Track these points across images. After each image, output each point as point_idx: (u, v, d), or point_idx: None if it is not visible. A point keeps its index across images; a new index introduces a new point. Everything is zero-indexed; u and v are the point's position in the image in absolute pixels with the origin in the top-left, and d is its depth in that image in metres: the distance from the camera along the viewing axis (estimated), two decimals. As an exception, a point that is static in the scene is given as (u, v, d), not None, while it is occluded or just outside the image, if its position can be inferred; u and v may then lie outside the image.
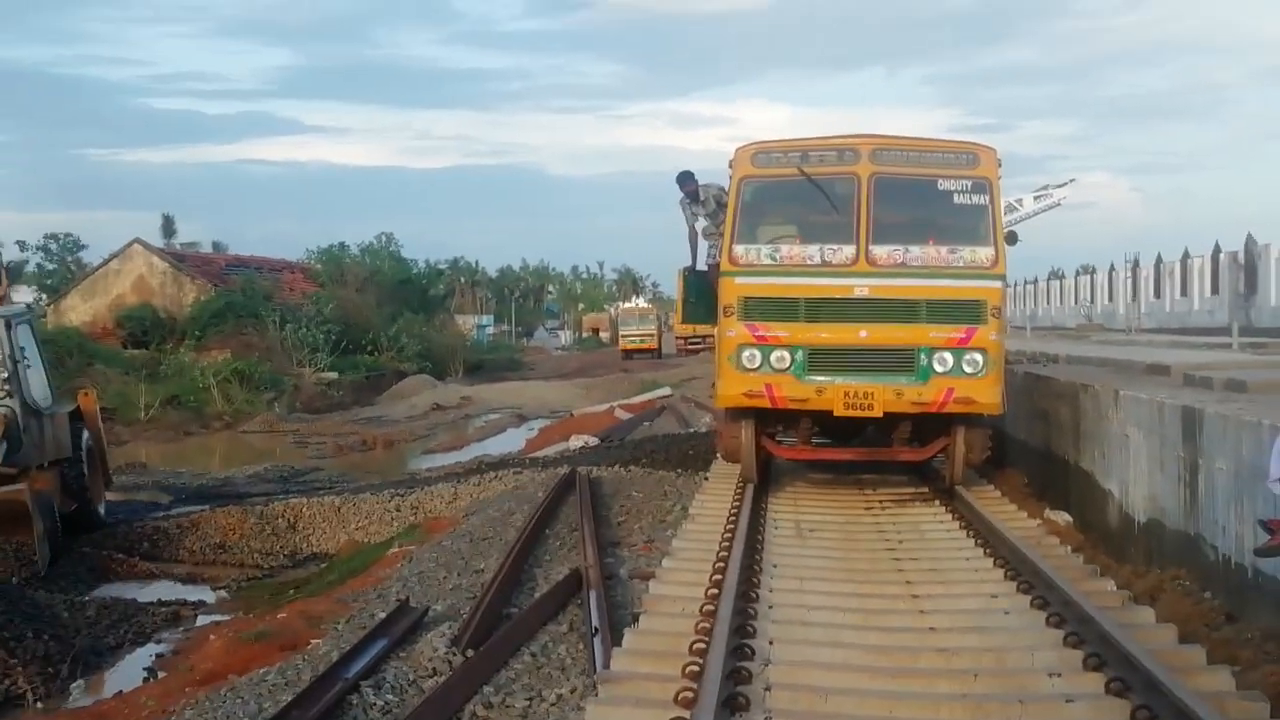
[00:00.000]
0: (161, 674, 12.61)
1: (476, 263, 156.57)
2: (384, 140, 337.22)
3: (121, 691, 12.05)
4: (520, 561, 12.89)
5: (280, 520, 20.27)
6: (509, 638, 9.92)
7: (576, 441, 28.42)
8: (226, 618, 15.32)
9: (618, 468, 19.24)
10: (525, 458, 26.31)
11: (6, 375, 18.50)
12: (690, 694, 6.92)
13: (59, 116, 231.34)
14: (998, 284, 13.30)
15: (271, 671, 10.52)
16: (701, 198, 15.43)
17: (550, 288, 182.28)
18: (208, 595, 17.04)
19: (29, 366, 19.21)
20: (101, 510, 20.31)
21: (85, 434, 20.61)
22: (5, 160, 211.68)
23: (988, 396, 13.10)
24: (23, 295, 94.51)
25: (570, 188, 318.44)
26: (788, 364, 13.20)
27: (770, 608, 9.10)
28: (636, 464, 19.44)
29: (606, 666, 8.30)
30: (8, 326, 18.85)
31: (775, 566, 10.59)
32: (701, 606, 8.85)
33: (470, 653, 9.51)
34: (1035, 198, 56.88)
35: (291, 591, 16.34)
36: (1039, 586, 9.39)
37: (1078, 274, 65.89)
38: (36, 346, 20.26)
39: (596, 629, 9.73)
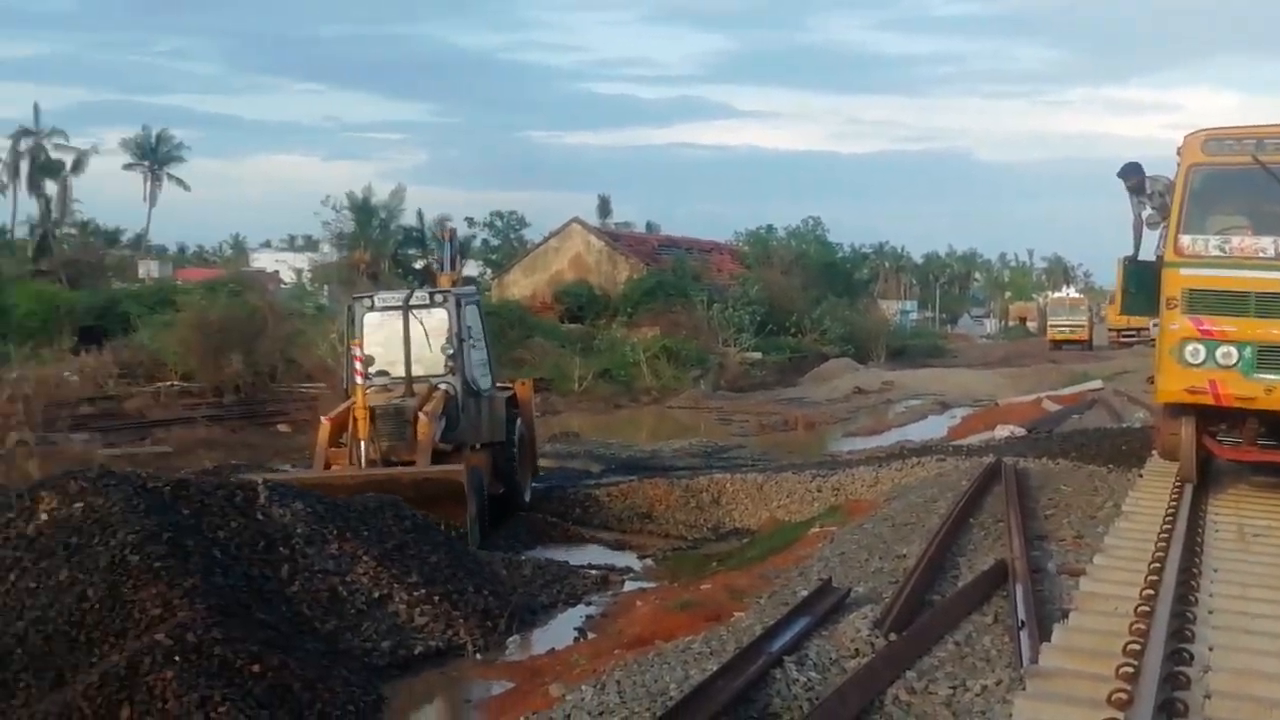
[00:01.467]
0: (591, 635, 13.05)
1: (902, 248, 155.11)
2: (813, 125, 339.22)
3: (554, 649, 12.54)
4: (944, 549, 12.70)
5: (705, 494, 20.60)
6: (932, 624, 9.80)
7: (1002, 431, 27.78)
8: (652, 585, 15.71)
9: (1045, 460, 18.69)
10: (948, 445, 25.92)
11: (452, 352, 19.13)
12: (1124, 695, 6.68)
13: (506, 100, 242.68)
14: None
15: (696, 640, 10.73)
16: (1148, 190, 14.79)
17: (976, 275, 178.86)
18: (634, 562, 17.47)
19: (473, 346, 19.81)
20: (527, 497, 20.54)
21: (519, 421, 20.90)
22: (457, 142, 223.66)
23: None
24: (469, 269, 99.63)
25: (1000, 174, 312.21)
26: (1234, 360, 12.56)
27: (1210, 613, 8.69)
28: (1065, 457, 18.82)
29: (1034, 661, 8.11)
30: (458, 305, 19.46)
31: (1215, 571, 10.09)
32: (1136, 607, 8.53)
33: (893, 636, 9.46)
34: None
35: (715, 564, 16.60)
36: None
37: None
38: (482, 328, 20.81)
39: (1023, 622, 9.49)
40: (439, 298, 19.62)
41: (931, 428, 36.40)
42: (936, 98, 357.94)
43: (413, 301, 19.50)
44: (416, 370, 18.91)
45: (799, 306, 67.26)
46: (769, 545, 17.03)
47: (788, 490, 20.37)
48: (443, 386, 18.74)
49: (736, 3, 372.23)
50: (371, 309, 19.50)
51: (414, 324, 19.18)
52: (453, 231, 22.53)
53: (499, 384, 21.20)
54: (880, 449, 27.61)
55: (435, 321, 19.34)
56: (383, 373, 18.59)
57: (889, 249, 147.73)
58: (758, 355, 57.57)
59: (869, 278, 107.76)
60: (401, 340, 18.97)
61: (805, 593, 11.44)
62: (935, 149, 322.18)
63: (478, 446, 19.19)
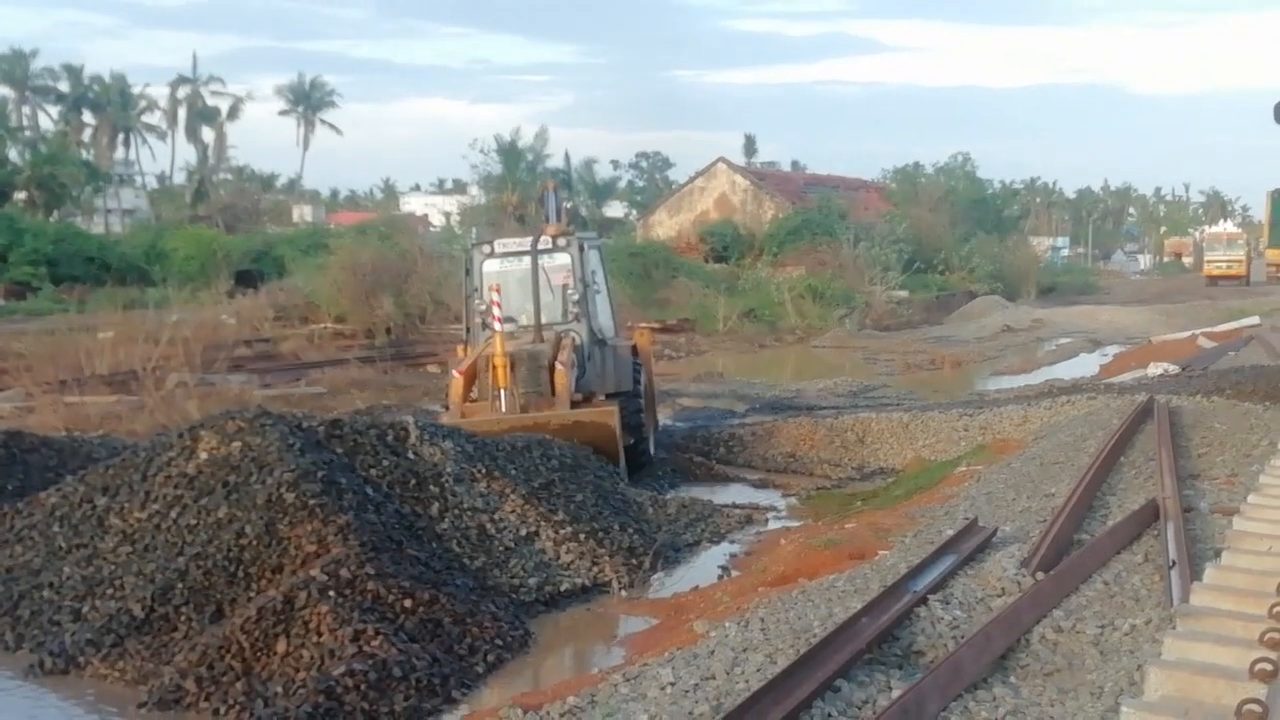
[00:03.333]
0: (735, 573, 13.07)
1: (1054, 183, 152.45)
2: (963, 59, 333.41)
3: (698, 586, 12.59)
4: (1093, 488, 12.54)
5: (849, 433, 20.51)
6: (1081, 563, 9.69)
7: (1155, 369, 27.32)
8: (796, 524, 15.69)
9: (1199, 397, 18.34)
10: (1099, 383, 25.54)
11: (578, 298, 18.55)
12: (1278, 635, 6.55)
13: (652, 40, 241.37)
14: None
15: (840, 578, 10.74)
16: None
17: (1131, 210, 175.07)
18: (778, 501, 17.44)
19: (598, 293, 19.29)
20: (651, 449, 19.70)
21: (641, 371, 20.11)
22: (602, 83, 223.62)
23: None
24: (614, 210, 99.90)
25: (1156, 106, 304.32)
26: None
27: (1370, 554, 8.47)
28: (1219, 394, 18.46)
29: (1185, 600, 7.97)
30: (581, 250, 18.87)
31: (1377, 511, 9.83)
32: (1291, 546, 8.34)
33: (1040, 575, 9.37)
34: None
35: (859, 503, 16.54)
36: None
37: None
38: (604, 275, 20.15)
39: (1174, 561, 9.34)
40: (562, 241, 18.97)
41: (1082, 366, 35.88)
42: (1091, 28, 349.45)
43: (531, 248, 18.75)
44: (534, 320, 18.16)
45: (947, 244, 66.58)
46: (914, 484, 16.93)
47: (934, 429, 20.22)
48: (570, 335, 18.21)
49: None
50: (491, 255, 18.95)
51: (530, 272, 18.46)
52: (555, 184, 22.11)
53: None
54: (1029, 387, 27.33)
55: (557, 267, 18.78)
56: (509, 319, 17.85)
57: (1040, 184, 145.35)
58: (904, 293, 57.10)
59: (1019, 214, 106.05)
60: (520, 288, 18.30)
61: (951, 532, 11.38)
62: (1090, 81, 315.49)
63: (604, 397, 18.38)
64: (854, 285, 54.62)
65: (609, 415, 16.91)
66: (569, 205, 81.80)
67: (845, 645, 8.20)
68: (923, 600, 9.08)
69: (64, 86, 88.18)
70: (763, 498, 17.57)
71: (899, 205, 71.61)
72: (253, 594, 10.65)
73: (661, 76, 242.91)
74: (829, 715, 7.34)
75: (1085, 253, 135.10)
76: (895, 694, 7.52)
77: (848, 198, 73.08)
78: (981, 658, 8.00)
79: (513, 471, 13.85)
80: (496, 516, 12.98)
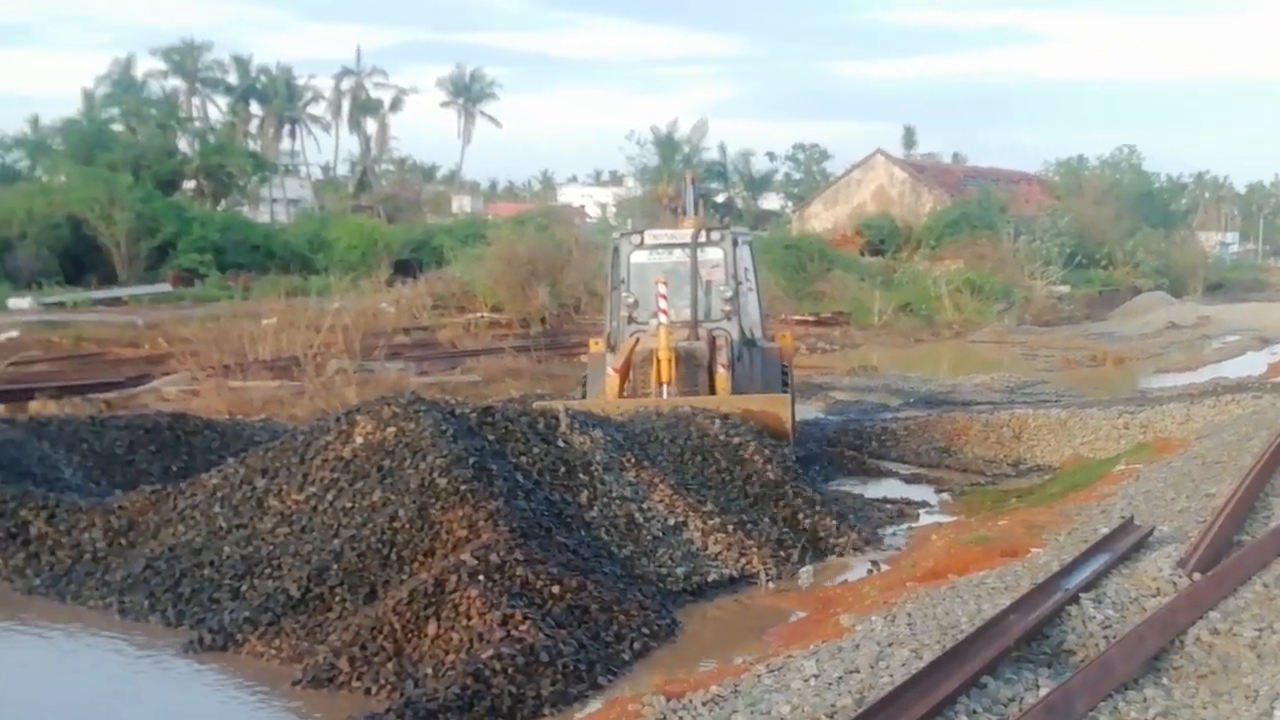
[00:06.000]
0: (884, 567, 12.99)
1: (1224, 177, 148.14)
2: (1128, 51, 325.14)
3: (846, 580, 12.56)
4: (1255, 488, 12.22)
5: (1005, 429, 20.19)
6: (1240, 565, 9.45)
7: (1325, 369, 26.56)
8: (948, 519, 15.53)
9: (1374, 398, 17.79)
10: (1267, 381, 24.85)
11: (730, 295, 17.85)
12: None
13: (812, 31, 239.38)
14: None
15: (991, 575, 10.63)
16: None
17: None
18: (930, 496, 17.25)
19: (749, 291, 18.62)
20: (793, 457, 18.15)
21: (789, 374, 19.41)
22: (760, 74, 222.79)
23: None
24: (770, 203, 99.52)
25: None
26: None
27: None
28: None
29: (1348, 605, 7.78)
30: (734, 245, 18.18)
31: None
32: None
33: (1197, 576, 9.18)
34: None
35: (1013, 500, 16.31)
36: None
37: None
38: (755, 272, 19.36)
39: (1338, 565, 9.10)
40: (715, 236, 18.26)
41: (1249, 364, 34.91)
42: (1262, 18, 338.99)
43: (682, 241, 18.17)
44: (686, 315, 17.50)
45: (1111, 238, 65.36)
46: (1070, 482, 16.66)
47: (1093, 427, 19.85)
48: (720, 333, 17.66)
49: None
50: (640, 246, 18.27)
51: (685, 264, 17.88)
52: (695, 176, 21.68)
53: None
54: (1193, 386, 26.66)
55: (709, 262, 18.05)
56: (653, 315, 17.14)
57: (1209, 178, 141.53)
58: (1065, 289, 56.14)
59: (1187, 208, 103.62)
60: (661, 285, 17.01)
61: (1106, 530, 11.19)
62: (1262, 74, 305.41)
63: None
64: (1013, 280, 53.83)
65: (781, 405, 16.65)
66: (724, 197, 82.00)
67: (993, 642, 8.11)
68: (1074, 598, 8.95)
69: (232, 79, 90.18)
70: (915, 493, 17.38)
71: (1061, 198, 70.43)
72: (405, 576, 10.82)
73: (820, 68, 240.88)
74: (974, 712, 7.28)
75: (1255, 249, 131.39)
76: (1042, 692, 7.43)
77: (1008, 190, 72.06)
78: (1133, 658, 7.87)
79: (662, 461, 13.91)
80: (645, 506, 13.03)
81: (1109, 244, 64.42)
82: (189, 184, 64.84)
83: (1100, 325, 50.01)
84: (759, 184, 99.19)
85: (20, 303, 40.12)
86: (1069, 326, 48.89)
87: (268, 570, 11.64)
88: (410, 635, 10.00)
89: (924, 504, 16.53)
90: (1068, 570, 9.70)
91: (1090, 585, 9.32)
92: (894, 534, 14.65)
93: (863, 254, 60.92)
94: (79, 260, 48.51)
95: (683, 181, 20.54)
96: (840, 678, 8.05)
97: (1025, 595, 9.03)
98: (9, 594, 12.16)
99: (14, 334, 32.32)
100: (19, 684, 10.12)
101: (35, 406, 20.48)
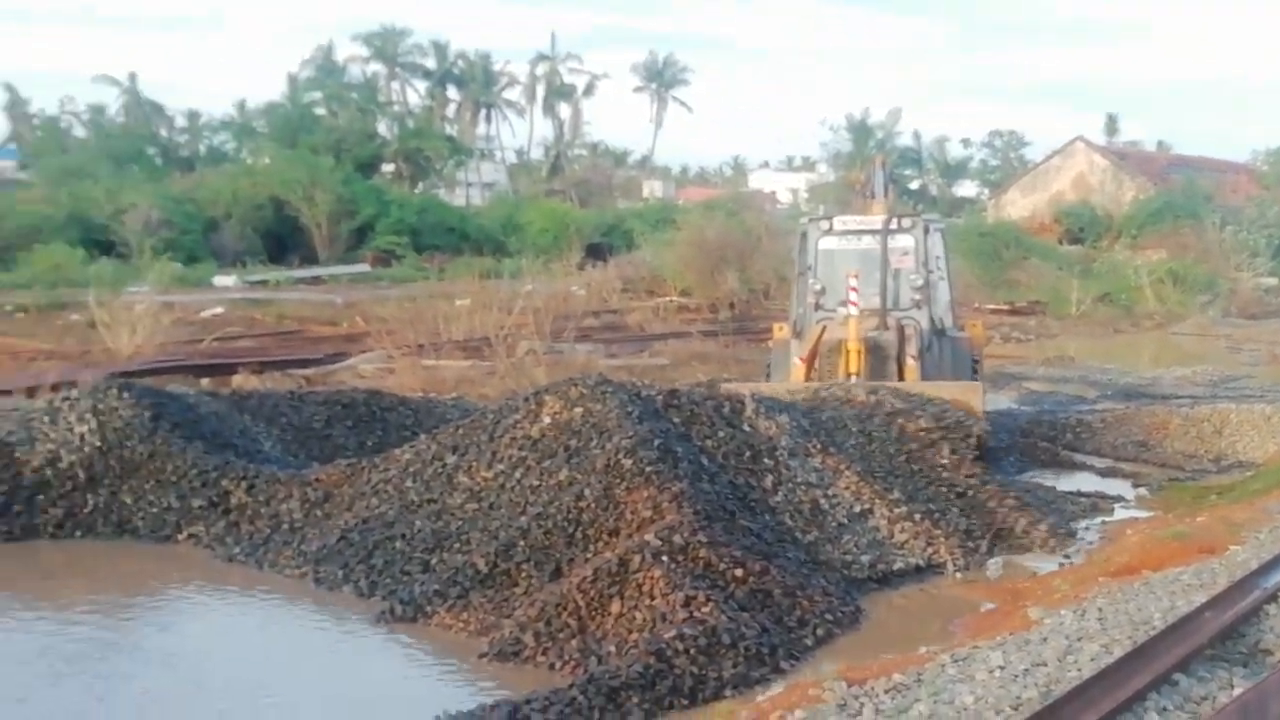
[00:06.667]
0: (1076, 560, 12.77)
1: None
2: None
3: (1036, 573, 12.35)
4: None
5: (1206, 424, 19.60)
6: None
7: None
8: (1144, 514, 15.16)
9: None
10: None
11: (920, 284, 17.69)
12: None
13: (1010, 17, 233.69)
14: None
15: (1186, 571, 10.38)
16: None
17: None
18: (1126, 491, 16.81)
19: (940, 279, 18.22)
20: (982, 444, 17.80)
21: (980, 365, 19.10)
22: (956, 60, 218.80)
23: None
24: (965, 189, 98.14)
25: None
26: None
27: None
28: None
29: None
30: (925, 232, 17.98)
31: None
32: None
33: (1405, 579, 8.86)
34: None
35: (1213, 496, 15.84)
36: None
37: None
38: (946, 261, 18.70)
39: None
40: (905, 223, 18.18)
41: None
42: None
43: (872, 227, 18.03)
44: (874, 304, 17.37)
45: (1323, 229, 62.92)
46: (1274, 479, 16.10)
47: (1298, 424, 19.20)
48: (909, 323, 17.46)
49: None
50: (828, 232, 18.13)
51: (874, 251, 17.77)
52: (886, 160, 21.34)
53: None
54: None
55: (898, 250, 17.86)
56: (842, 303, 17.09)
57: None
58: (1274, 281, 54.32)
59: None
60: (858, 269, 17.11)
61: (1309, 529, 10.87)
62: None
63: None
64: (1219, 271, 52.28)
65: (974, 393, 16.40)
66: (918, 184, 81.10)
67: (1186, 639, 7.94)
68: (1273, 597, 8.72)
69: (431, 64, 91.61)
70: (1109, 486, 16.99)
71: (1270, 188, 68.05)
72: (589, 555, 10.93)
73: (1021, 55, 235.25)
74: (1164, 709, 7.13)
75: None
76: (1237, 691, 7.24)
77: (1214, 180, 69.89)
78: (1335, 661, 7.64)
79: (848, 448, 13.82)
80: (830, 492, 12.97)
81: (1321, 235, 62.21)
82: (387, 167, 66.27)
83: (1311, 319, 48.28)
84: (954, 171, 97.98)
85: (225, 280, 41.38)
86: (1277, 320, 47.27)
87: (456, 545, 11.86)
88: (594, 613, 10.09)
89: (1119, 498, 16.14)
90: (1267, 568, 9.45)
91: (1291, 585, 9.07)
92: (1087, 528, 14.33)
93: (1061, 242, 59.75)
94: (281, 240, 49.97)
95: (873, 165, 20.23)
96: (1026, 670, 7.94)
97: (1222, 593, 8.83)
98: (211, 561, 12.60)
99: (219, 310, 33.40)
100: (220, 649, 10.44)
101: (238, 381, 21.16)
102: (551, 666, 9.59)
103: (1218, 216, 56.45)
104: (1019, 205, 70.32)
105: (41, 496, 13.31)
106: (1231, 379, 28.46)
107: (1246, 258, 53.95)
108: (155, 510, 13.35)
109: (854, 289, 16.58)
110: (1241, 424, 19.47)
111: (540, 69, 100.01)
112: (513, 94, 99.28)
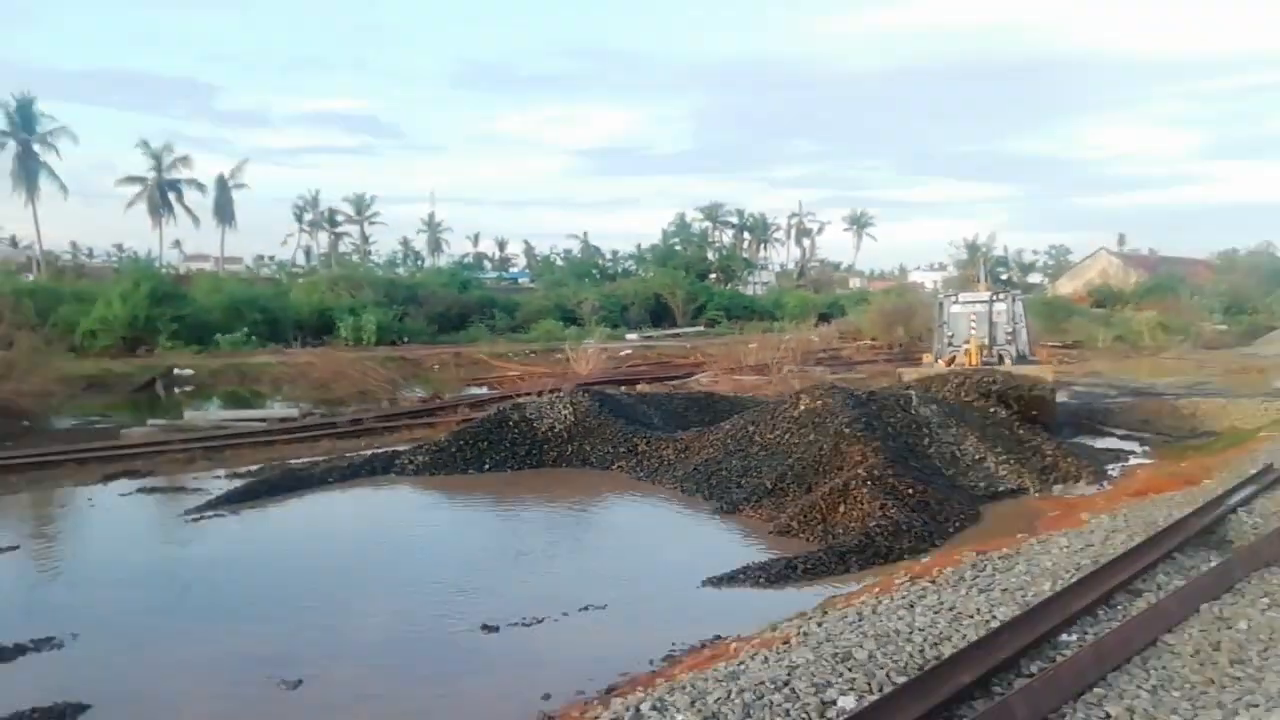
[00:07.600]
0: (1108, 487, 11.81)
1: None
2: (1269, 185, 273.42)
3: (1084, 494, 11.47)
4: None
5: (1184, 409, 17.86)
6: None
7: None
8: (1149, 461, 13.90)
9: None
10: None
11: (1011, 331, 16.99)
12: None
13: (1063, 181, 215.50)
14: None
15: (1178, 494, 9.49)
16: None
17: None
18: (1137, 448, 15.44)
19: (1023, 328, 17.43)
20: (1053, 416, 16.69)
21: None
22: (1028, 206, 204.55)
23: None
24: (1034, 278, 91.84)
25: None
26: None
27: None
28: None
29: None
30: (1013, 300, 17.38)
31: None
32: None
33: (1320, 501, 7.85)
34: None
35: (1191, 451, 14.39)
36: None
37: None
38: (1025, 317, 17.69)
39: None
40: (1000, 295, 17.47)
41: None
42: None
43: (982, 299, 17.42)
44: (984, 342, 16.82)
45: (1255, 296, 55.99)
46: (1229, 442, 14.51)
47: (1243, 410, 17.26)
48: (1005, 351, 16.83)
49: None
50: (956, 302, 17.67)
51: (984, 312, 17.12)
52: (986, 259, 20.42)
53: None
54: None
55: (998, 310, 17.20)
56: (965, 343, 16.84)
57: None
58: (1224, 327, 48.72)
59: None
60: (971, 324, 16.99)
61: (1254, 471, 9.77)
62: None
63: None
64: (1190, 322, 47.18)
65: (1047, 370, 15.70)
66: (1006, 276, 76.42)
67: (1180, 533, 7.27)
68: (1233, 510, 7.87)
69: (734, 220, 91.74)
70: (1126, 446, 15.63)
71: (1220, 275, 61.19)
72: (826, 480, 10.75)
73: (1070, 201, 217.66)
74: (1168, 574, 6.54)
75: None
76: (1213, 564, 6.58)
77: (1186, 269, 63.40)
78: (1274, 546, 6.85)
79: (971, 421, 13.15)
80: (961, 448, 12.35)
81: (1253, 300, 55.28)
82: (712, 275, 66.66)
83: (1248, 349, 43.02)
84: (1027, 269, 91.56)
85: (631, 336, 42.47)
86: (1226, 350, 42.32)
87: (754, 473, 11.80)
88: (831, 511, 9.95)
89: (1132, 452, 14.86)
90: (1228, 494, 8.53)
91: (1244, 503, 8.18)
92: (1113, 469, 13.24)
93: (1091, 307, 55.12)
94: (657, 315, 50.77)
95: (980, 265, 19.58)
96: (1081, 549, 7.43)
97: (1200, 506, 8.04)
98: (629, 479, 12.85)
99: (629, 351, 34.27)
100: (634, 526, 10.71)
101: (641, 387, 21.61)
102: (807, 540, 9.51)
103: (1188, 291, 51.08)
104: (1065, 287, 65.24)
105: (546, 445, 13.71)
106: (1200, 384, 25.70)
107: (1207, 314, 48.58)
108: (601, 453, 13.60)
109: (973, 329, 16.55)
110: (1207, 410, 17.66)
111: (793, 220, 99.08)
112: (778, 234, 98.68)
